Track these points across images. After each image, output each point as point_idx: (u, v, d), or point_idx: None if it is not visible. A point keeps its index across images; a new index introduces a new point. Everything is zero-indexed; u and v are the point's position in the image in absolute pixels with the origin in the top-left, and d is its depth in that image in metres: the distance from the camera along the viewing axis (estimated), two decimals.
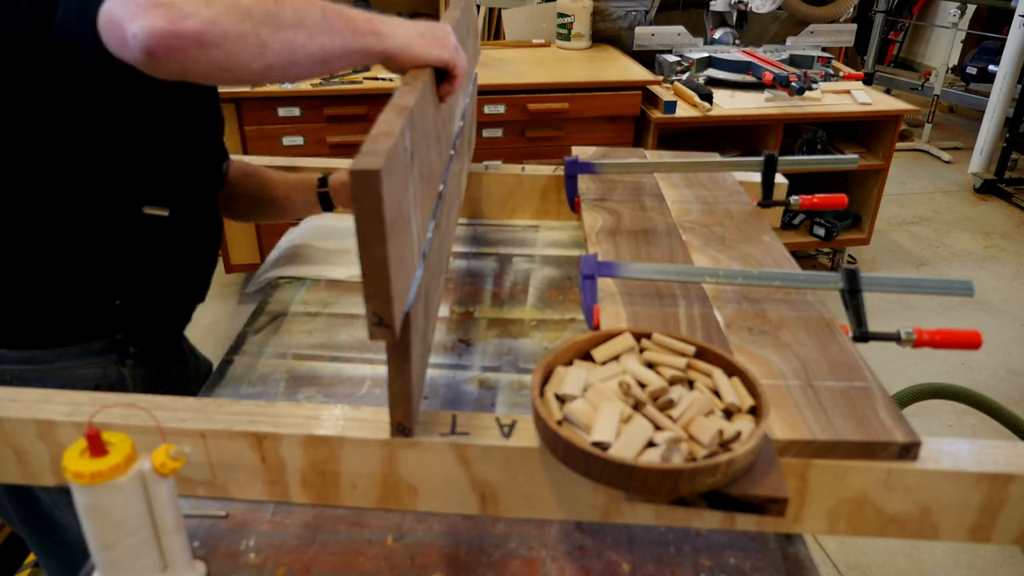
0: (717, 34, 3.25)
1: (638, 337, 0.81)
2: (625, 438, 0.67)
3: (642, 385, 0.73)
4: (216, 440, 0.78)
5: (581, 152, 1.46)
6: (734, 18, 3.25)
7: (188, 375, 1.26)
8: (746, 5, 3.16)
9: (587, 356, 0.80)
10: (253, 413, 0.80)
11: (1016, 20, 4.10)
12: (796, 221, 3.26)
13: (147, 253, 1.00)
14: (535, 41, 3.36)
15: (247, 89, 2.56)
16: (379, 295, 0.60)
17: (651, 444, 0.68)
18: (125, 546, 0.67)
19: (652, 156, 1.44)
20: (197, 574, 0.74)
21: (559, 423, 0.71)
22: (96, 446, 0.63)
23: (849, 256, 3.50)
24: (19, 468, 0.82)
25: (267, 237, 2.85)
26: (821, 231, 3.18)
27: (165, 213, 0.99)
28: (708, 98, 2.79)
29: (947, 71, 5.27)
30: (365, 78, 2.71)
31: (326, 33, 0.78)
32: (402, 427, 0.75)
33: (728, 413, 0.72)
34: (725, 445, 0.68)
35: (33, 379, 0.98)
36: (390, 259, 0.58)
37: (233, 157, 1.27)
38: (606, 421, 0.68)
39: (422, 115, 0.74)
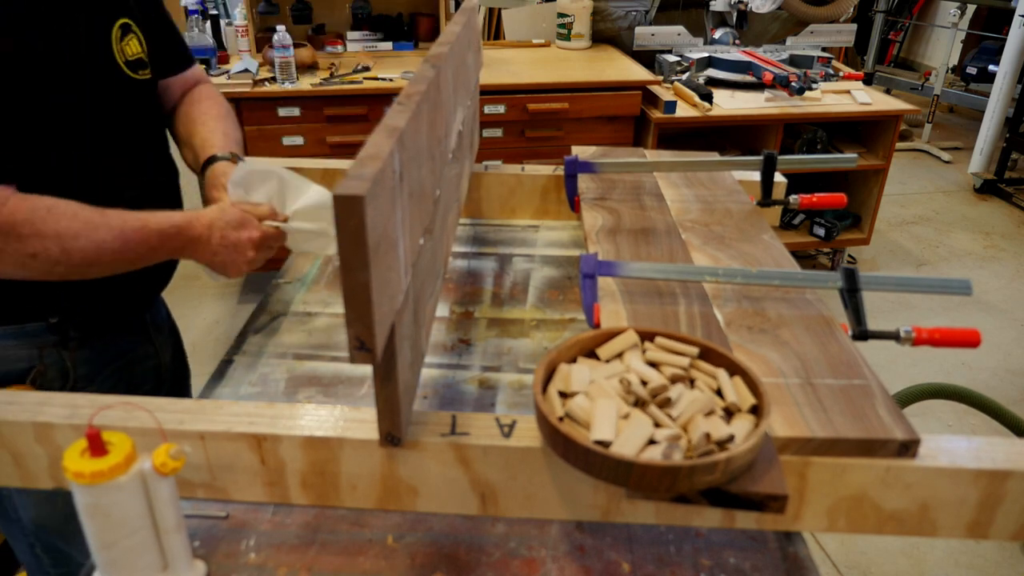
0: (717, 34, 3.25)
1: (643, 337, 0.81)
2: (626, 435, 0.67)
3: (644, 383, 0.73)
4: (215, 442, 0.78)
5: (581, 152, 1.46)
6: (734, 18, 3.25)
7: (152, 364, 1.24)
8: (746, 5, 3.16)
9: (591, 354, 0.81)
10: (252, 414, 0.80)
11: (1016, 20, 4.10)
12: (796, 221, 3.25)
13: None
14: (535, 41, 3.36)
15: (247, 89, 2.56)
16: (360, 319, 0.58)
17: (652, 442, 0.68)
18: (125, 546, 0.67)
19: (652, 155, 1.45)
20: (197, 573, 0.74)
21: (560, 419, 0.71)
22: (96, 446, 0.63)
23: (849, 256, 3.50)
24: (16, 471, 0.82)
25: None
26: (821, 231, 3.18)
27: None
28: (708, 98, 2.79)
29: (947, 71, 5.27)
30: (365, 78, 2.71)
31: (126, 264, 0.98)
32: (391, 436, 0.75)
33: (729, 412, 0.72)
34: (719, 446, 0.68)
35: None
36: (372, 284, 0.56)
37: (202, 91, 1.26)
38: (604, 418, 0.68)
39: (414, 135, 0.73)
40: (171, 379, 1.31)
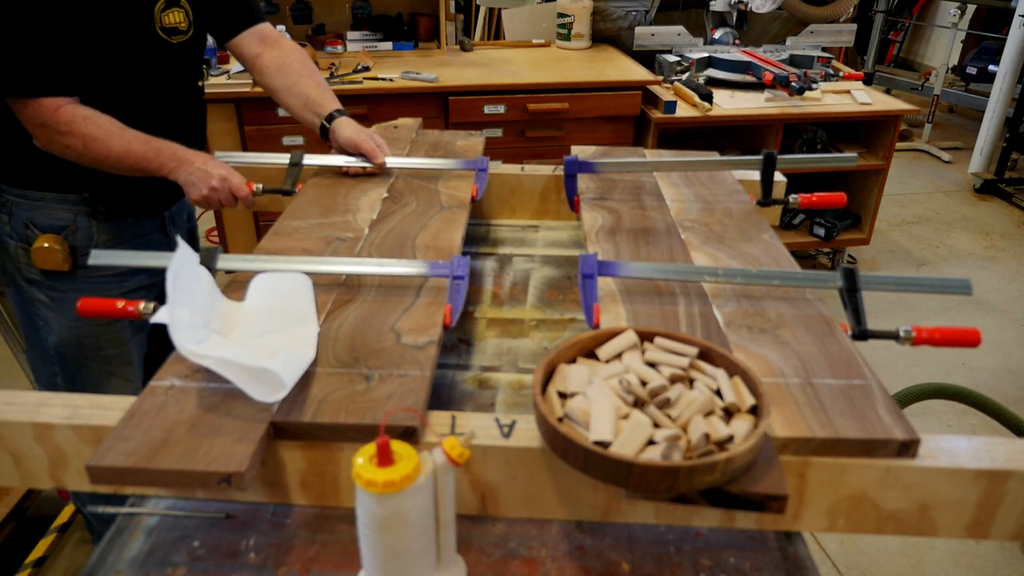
0: (717, 34, 3.25)
1: (642, 337, 0.81)
2: (625, 436, 0.67)
3: (643, 384, 0.73)
4: None
5: (581, 151, 1.46)
6: (734, 18, 3.25)
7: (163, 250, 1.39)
8: (746, 5, 3.16)
9: (591, 355, 0.81)
10: None
11: (1016, 20, 4.10)
12: (796, 221, 3.25)
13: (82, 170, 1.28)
14: (535, 41, 3.36)
15: (247, 89, 2.56)
16: None
17: (651, 442, 0.68)
18: (414, 550, 0.65)
19: (652, 155, 1.45)
20: (460, 568, 0.73)
21: (560, 420, 0.71)
22: (385, 455, 0.62)
23: (849, 256, 3.50)
24: (16, 471, 0.82)
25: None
26: (821, 231, 3.18)
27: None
28: (708, 98, 2.79)
29: (947, 71, 5.27)
30: (365, 78, 2.71)
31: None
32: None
33: (729, 412, 0.72)
34: (719, 446, 0.68)
35: (24, 209, 1.34)
36: None
37: (279, 41, 1.50)
38: (603, 419, 0.68)
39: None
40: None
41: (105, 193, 1.36)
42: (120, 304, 0.95)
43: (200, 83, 1.48)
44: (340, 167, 1.40)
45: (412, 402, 0.79)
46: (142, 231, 1.45)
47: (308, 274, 0.99)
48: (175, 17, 1.33)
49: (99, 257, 1.03)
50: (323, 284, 1.02)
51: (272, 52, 1.48)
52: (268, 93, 1.50)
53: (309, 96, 1.45)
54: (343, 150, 1.41)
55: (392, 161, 1.40)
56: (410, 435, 0.75)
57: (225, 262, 1.03)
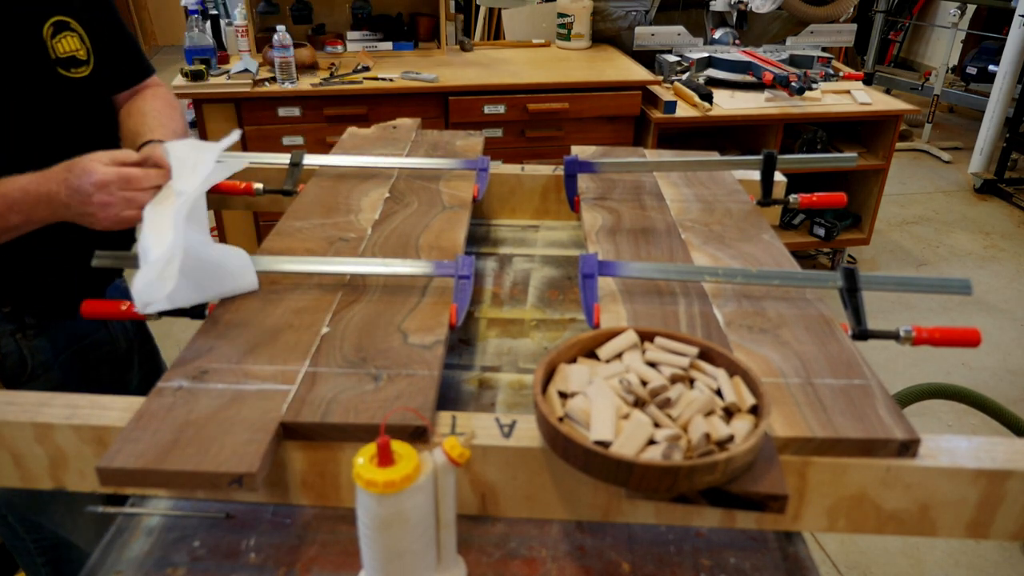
0: (717, 34, 3.25)
1: (643, 337, 0.81)
2: (626, 435, 0.67)
3: (644, 383, 0.73)
4: None
5: (581, 151, 1.46)
6: (734, 18, 3.25)
7: (108, 349, 1.25)
8: (746, 5, 3.16)
9: (591, 354, 0.81)
10: None
11: (1016, 20, 4.10)
12: (796, 221, 3.26)
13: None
14: (535, 41, 3.36)
15: (247, 89, 2.56)
16: None
17: (652, 442, 0.68)
18: (414, 550, 0.65)
19: (652, 155, 1.44)
20: (461, 568, 0.73)
21: (560, 420, 0.71)
22: (385, 455, 0.62)
23: (849, 256, 3.50)
24: (16, 472, 0.82)
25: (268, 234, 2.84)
26: (821, 231, 3.18)
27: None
28: (708, 98, 2.79)
29: (947, 71, 5.27)
30: (365, 78, 2.71)
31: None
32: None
33: (729, 412, 0.72)
34: (719, 446, 0.68)
35: None
36: None
37: (154, 92, 1.26)
38: (604, 419, 0.68)
39: None
40: (138, 361, 1.32)
41: (30, 298, 1.10)
42: (124, 306, 0.94)
43: (117, 132, 1.22)
44: (341, 166, 1.40)
45: (421, 402, 0.79)
46: (80, 333, 1.21)
47: (313, 274, 1.00)
48: (69, 44, 1.09)
49: (102, 258, 0.94)
50: (328, 284, 1.02)
51: (136, 99, 1.25)
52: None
53: (135, 129, 1.20)
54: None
55: (393, 162, 1.40)
56: (420, 435, 0.76)
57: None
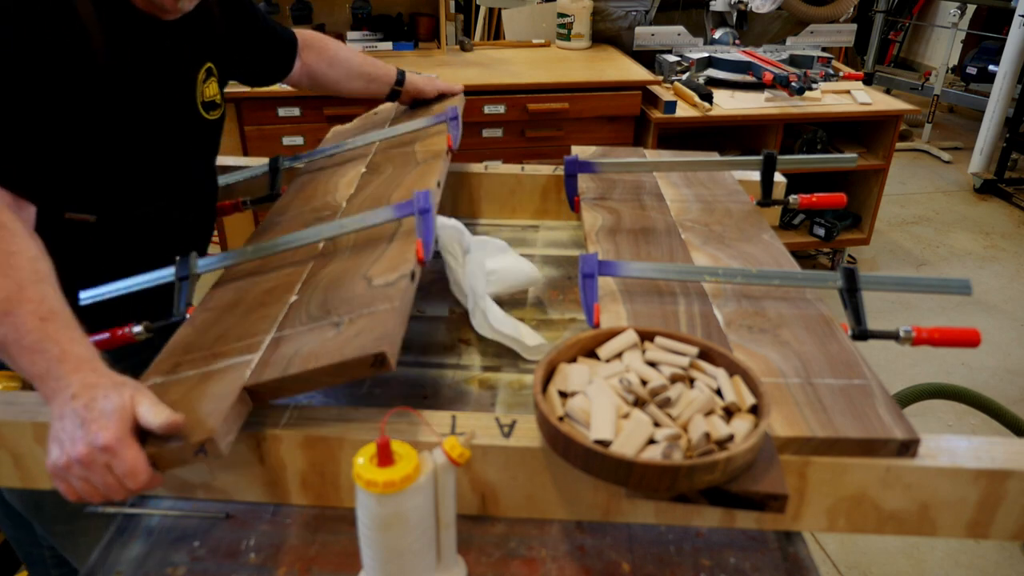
0: (717, 34, 3.25)
1: (642, 337, 0.81)
2: (626, 435, 0.67)
3: (644, 383, 0.73)
4: None
5: (581, 151, 1.46)
6: (734, 18, 3.25)
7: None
8: (746, 5, 3.16)
9: (591, 354, 0.81)
10: (251, 414, 0.80)
11: (1016, 20, 4.10)
12: (796, 221, 3.25)
13: (73, 258, 0.91)
14: (535, 41, 3.36)
15: (247, 89, 2.56)
16: None
17: (652, 441, 0.68)
18: (414, 550, 0.65)
19: (652, 155, 1.45)
20: (461, 568, 0.73)
21: (560, 419, 0.71)
22: (385, 455, 0.62)
23: (849, 256, 3.50)
24: (16, 472, 0.82)
25: None
26: (821, 231, 3.17)
27: (91, 219, 1.02)
28: (708, 98, 2.79)
29: (947, 71, 5.27)
30: None
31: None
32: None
33: (729, 412, 0.72)
34: (719, 445, 0.68)
35: None
36: None
37: (311, 38, 1.41)
38: (604, 418, 0.68)
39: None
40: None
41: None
42: (121, 331, 0.93)
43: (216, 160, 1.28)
44: (317, 158, 1.40)
45: (380, 333, 0.77)
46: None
47: (278, 251, 1.01)
48: (212, 89, 1.16)
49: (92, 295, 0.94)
50: (301, 260, 1.02)
51: (310, 55, 1.40)
52: (326, 91, 1.46)
53: (368, 73, 1.45)
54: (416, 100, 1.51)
55: (365, 139, 1.40)
56: (381, 363, 0.74)
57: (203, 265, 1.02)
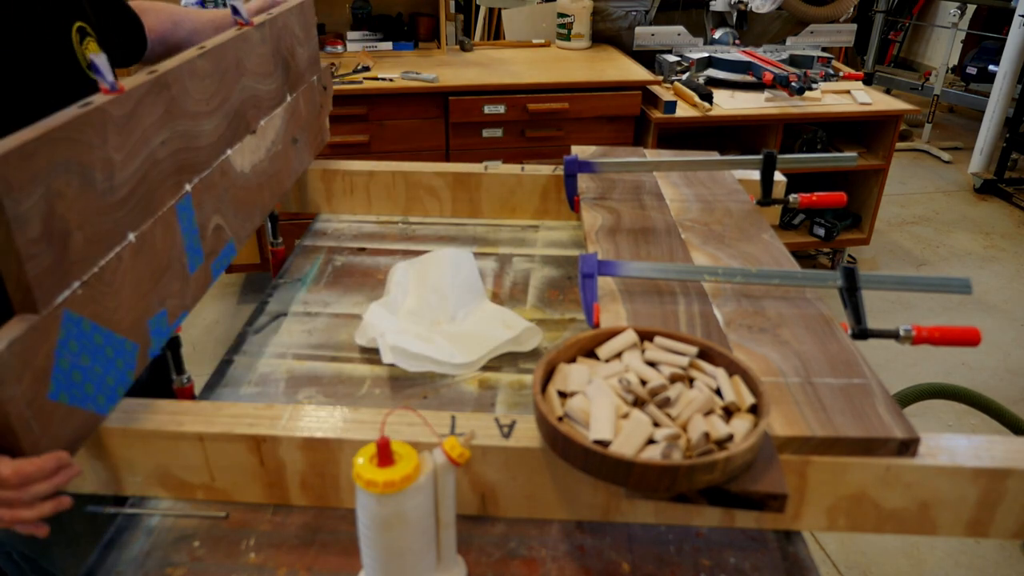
0: (717, 34, 3.25)
1: (642, 337, 0.81)
2: (625, 435, 0.67)
3: (643, 383, 0.73)
4: (215, 443, 0.78)
5: (581, 151, 1.46)
6: (734, 18, 3.25)
7: None
8: (746, 5, 3.16)
9: (591, 354, 0.81)
10: (251, 416, 0.80)
11: (1016, 20, 4.10)
12: (796, 221, 3.25)
13: None
14: (535, 41, 3.36)
15: None
16: None
17: (651, 441, 0.68)
18: (414, 550, 0.65)
19: (652, 155, 1.45)
20: (461, 568, 0.73)
21: (560, 419, 0.71)
22: (385, 455, 0.62)
23: (849, 256, 3.50)
24: None
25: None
26: (821, 231, 3.17)
27: None
28: (708, 98, 2.79)
29: (947, 71, 5.27)
30: (365, 78, 2.71)
31: None
32: None
33: (729, 411, 0.72)
34: (719, 445, 0.68)
35: None
36: None
37: (141, 5, 1.27)
38: (603, 418, 0.68)
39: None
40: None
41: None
42: None
43: None
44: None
45: None
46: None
47: None
48: (94, 49, 1.06)
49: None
50: None
51: (151, 19, 1.27)
52: (178, 49, 1.24)
53: (212, 20, 1.32)
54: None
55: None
56: None
57: None
